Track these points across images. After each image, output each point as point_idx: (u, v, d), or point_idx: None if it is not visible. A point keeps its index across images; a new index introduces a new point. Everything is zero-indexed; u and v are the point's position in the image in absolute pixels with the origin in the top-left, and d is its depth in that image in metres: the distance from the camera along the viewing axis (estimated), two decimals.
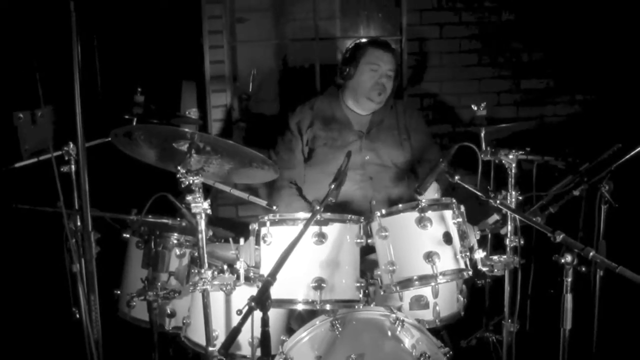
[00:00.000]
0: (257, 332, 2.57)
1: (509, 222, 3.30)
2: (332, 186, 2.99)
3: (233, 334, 2.41)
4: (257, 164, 3.10)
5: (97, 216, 3.22)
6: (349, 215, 3.17)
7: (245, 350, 3.21)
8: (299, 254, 2.83)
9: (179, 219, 3.41)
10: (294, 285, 3.03)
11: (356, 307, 3.14)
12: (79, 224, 3.16)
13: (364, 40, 4.14)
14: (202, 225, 2.92)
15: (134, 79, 4.24)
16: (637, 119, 4.20)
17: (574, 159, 3.71)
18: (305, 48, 5.60)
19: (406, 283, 3.11)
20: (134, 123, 3.64)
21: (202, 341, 3.12)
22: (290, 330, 3.39)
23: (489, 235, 3.57)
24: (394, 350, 3.03)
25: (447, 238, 3.13)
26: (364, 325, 3.12)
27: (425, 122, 4.49)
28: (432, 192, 3.45)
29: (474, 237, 3.37)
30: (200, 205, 2.89)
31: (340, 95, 4.19)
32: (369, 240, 3.21)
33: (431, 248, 3.08)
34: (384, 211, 3.19)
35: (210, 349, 3.03)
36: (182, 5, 5.31)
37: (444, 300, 3.42)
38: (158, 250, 3.34)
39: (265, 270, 3.11)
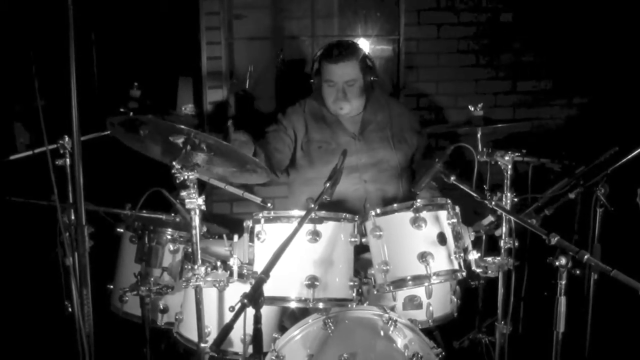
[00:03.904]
0: (250, 330, 2.57)
1: (504, 224, 3.30)
2: (327, 184, 2.98)
3: (225, 331, 2.40)
4: (250, 166, 3.10)
5: (91, 210, 3.21)
6: (344, 214, 3.17)
7: (237, 347, 3.20)
8: (292, 252, 2.82)
9: (173, 214, 3.40)
10: (287, 283, 3.03)
11: (349, 306, 3.14)
12: (72, 217, 3.15)
13: (322, 48, 4.11)
14: (196, 221, 2.92)
15: (130, 74, 4.23)
16: (634, 122, 4.21)
17: (570, 161, 3.72)
18: (303, 46, 5.59)
19: (400, 283, 3.11)
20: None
21: (194, 337, 3.12)
22: (282, 328, 3.39)
23: (484, 237, 3.56)
24: (387, 350, 3.03)
25: (442, 238, 3.13)
26: (356, 325, 3.12)
27: (420, 121, 4.47)
28: (466, 236, 3.43)
29: (468, 238, 3.36)
30: (195, 201, 2.88)
31: None
32: (363, 239, 3.20)
33: (425, 248, 3.08)
34: (378, 210, 3.18)
35: (203, 345, 3.03)
36: (180, 1, 5.30)
37: (438, 300, 3.42)
38: (151, 245, 3.32)
39: (258, 267, 3.11)
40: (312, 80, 4.15)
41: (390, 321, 3.08)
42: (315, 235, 3.06)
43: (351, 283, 3.13)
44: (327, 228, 3.09)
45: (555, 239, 2.68)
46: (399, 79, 5.58)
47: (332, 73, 3.99)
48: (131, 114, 3.65)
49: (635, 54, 5.50)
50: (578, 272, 2.79)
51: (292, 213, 3.16)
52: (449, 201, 3.23)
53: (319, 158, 4.07)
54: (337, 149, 4.00)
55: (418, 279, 3.08)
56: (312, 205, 2.94)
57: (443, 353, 3.13)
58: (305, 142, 4.13)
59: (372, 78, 4.07)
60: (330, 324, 3.04)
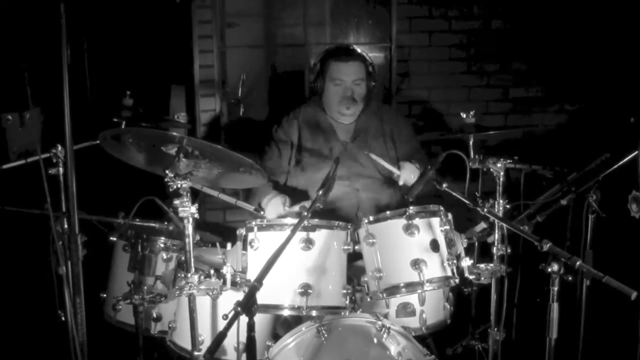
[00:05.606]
0: (243, 337, 2.57)
1: (496, 231, 3.31)
2: (320, 192, 2.99)
3: (219, 339, 2.40)
4: (245, 169, 3.10)
5: (84, 219, 3.21)
6: (337, 222, 3.17)
7: (231, 355, 3.19)
8: (285, 260, 2.82)
9: (166, 223, 3.39)
10: (280, 291, 3.03)
11: (342, 313, 3.14)
12: (66, 226, 3.15)
13: (326, 51, 4.11)
14: (189, 229, 2.92)
15: (123, 82, 4.23)
16: (625, 129, 4.21)
17: (561, 168, 3.72)
18: (295, 54, 5.60)
19: (393, 290, 3.11)
20: (123, 126, 3.63)
21: (187, 345, 3.11)
22: (276, 336, 3.38)
23: (476, 243, 3.57)
24: (380, 357, 3.03)
25: (434, 245, 3.13)
26: (349, 332, 3.12)
27: (413, 129, 4.47)
28: (458, 243, 3.43)
29: (461, 244, 3.37)
30: (188, 210, 2.88)
31: (322, 105, 4.18)
32: (356, 247, 3.21)
33: (418, 255, 3.08)
34: (371, 218, 3.19)
35: (196, 353, 3.02)
36: (173, 10, 5.30)
37: (431, 307, 3.43)
38: (145, 253, 3.32)
39: (252, 275, 3.11)
40: (313, 84, 4.14)
41: (383, 328, 3.07)
42: (309, 243, 3.06)
43: (344, 291, 3.14)
44: (320, 236, 3.09)
45: (548, 245, 2.69)
46: (391, 86, 5.60)
47: (342, 72, 4.00)
48: (124, 123, 3.64)
49: (626, 61, 5.52)
50: (570, 278, 2.81)
51: (285, 221, 3.17)
52: (442, 208, 3.24)
53: (310, 166, 4.07)
54: (329, 157, 4.01)
55: (411, 286, 3.09)
56: (305, 213, 2.95)
57: None
58: (297, 151, 4.13)
59: (372, 84, 4.10)
60: (323, 331, 3.03)
